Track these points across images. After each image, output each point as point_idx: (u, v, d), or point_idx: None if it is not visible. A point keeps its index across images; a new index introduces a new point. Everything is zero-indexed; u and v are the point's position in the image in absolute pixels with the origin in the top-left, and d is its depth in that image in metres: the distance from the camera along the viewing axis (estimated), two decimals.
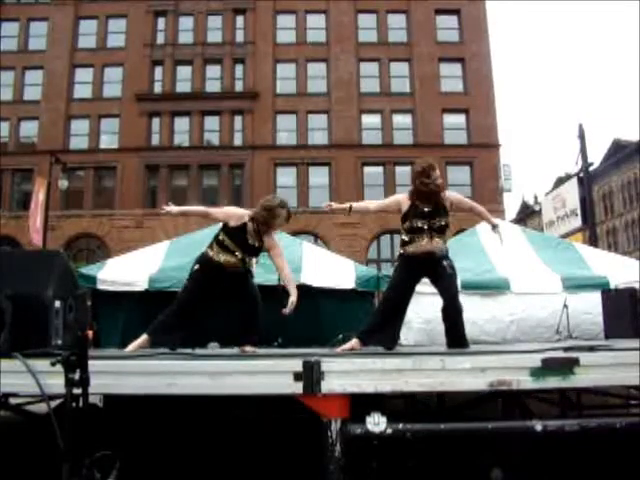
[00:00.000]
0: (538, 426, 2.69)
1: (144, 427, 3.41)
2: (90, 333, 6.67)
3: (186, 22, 29.30)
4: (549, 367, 2.69)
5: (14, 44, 28.86)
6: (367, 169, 27.46)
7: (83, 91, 28.50)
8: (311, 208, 25.85)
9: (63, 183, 19.83)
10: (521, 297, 7.55)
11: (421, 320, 7.08)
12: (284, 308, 4.03)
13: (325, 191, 26.29)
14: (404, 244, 4.24)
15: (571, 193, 17.02)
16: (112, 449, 2.44)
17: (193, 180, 27.19)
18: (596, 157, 43.76)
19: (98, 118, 28.11)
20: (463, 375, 2.69)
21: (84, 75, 28.63)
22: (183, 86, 28.58)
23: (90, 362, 2.30)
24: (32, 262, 3.49)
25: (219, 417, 3.39)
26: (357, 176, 27.03)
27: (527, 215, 54.02)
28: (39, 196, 18.57)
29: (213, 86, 28.63)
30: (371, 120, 28.17)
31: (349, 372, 2.68)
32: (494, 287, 7.62)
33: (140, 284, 7.42)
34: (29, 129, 28.35)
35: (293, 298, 4.07)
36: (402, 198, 4.30)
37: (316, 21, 29.45)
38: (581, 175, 16.21)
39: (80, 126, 28.05)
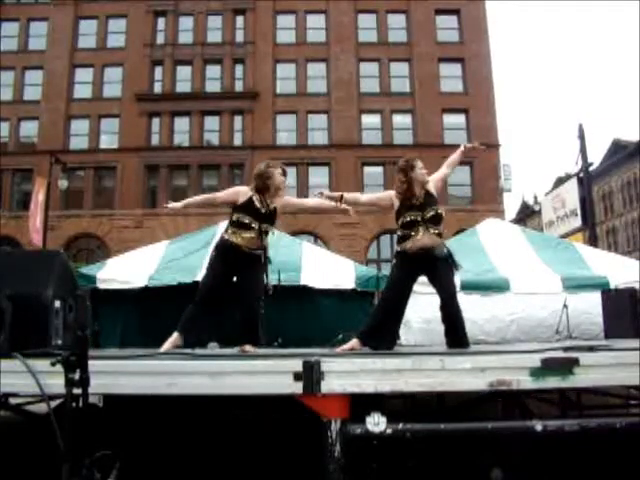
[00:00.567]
0: (538, 426, 2.69)
1: (144, 427, 3.41)
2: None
3: (186, 22, 29.31)
4: (549, 367, 2.69)
5: (14, 44, 28.87)
6: (367, 169, 27.47)
7: (83, 91, 28.51)
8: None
9: (63, 183, 19.84)
10: (521, 297, 7.55)
11: (421, 320, 7.08)
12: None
13: (325, 191, 26.28)
14: (400, 240, 4.26)
15: (571, 193, 17.00)
16: (112, 449, 2.44)
17: (193, 180, 27.19)
18: (596, 157, 43.73)
19: (98, 118, 28.12)
20: (463, 375, 2.69)
21: (84, 75, 28.64)
22: (183, 86, 28.59)
23: (90, 362, 2.30)
24: (32, 262, 3.49)
25: (219, 417, 3.39)
26: (357, 176, 27.02)
27: (527, 215, 53.98)
28: (39, 196, 18.58)
29: (213, 86, 28.64)
30: (371, 120, 28.18)
31: (349, 372, 2.68)
32: (494, 287, 7.62)
33: (139, 282, 7.44)
34: (29, 129, 28.37)
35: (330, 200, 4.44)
36: (394, 194, 4.37)
37: (316, 21, 29.46)
38: (581, 175, 16.19)
39: (80, 126, 28.06)
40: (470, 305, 7.04)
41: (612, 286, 7.28)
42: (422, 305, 6.26)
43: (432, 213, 4.18)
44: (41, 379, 2.53)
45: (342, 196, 4.46)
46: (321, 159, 27.45)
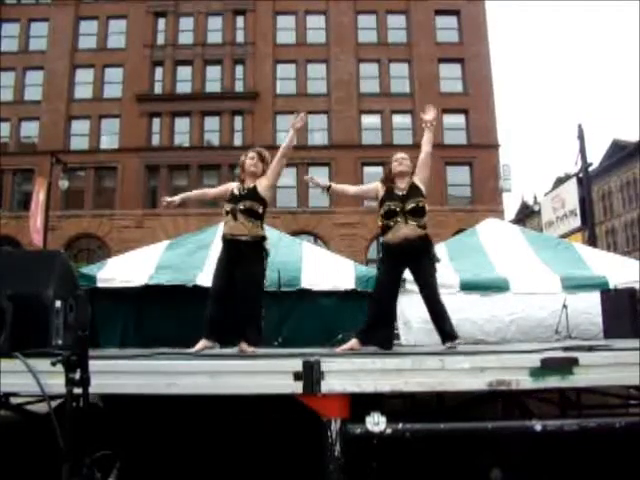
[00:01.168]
0: (538, 426, 2.70)
1: (144, 427, 3.42)
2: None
3: (186, 23, 29.32)
4: (548, 367, 2.69)
5: (15, 45, 28.88)
6: (367, 169, 27.43)
7: (83, 91, 28.51)
8: (311, 208, 25.85)
9: (63, 183, 19.85)
10: (521, 297, 7.54)
11: (421, 320, 7.06)
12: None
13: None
14: (382, 232, 4.30)
15: (570, 193, 17.00)
16: (112, 449, 2.44)
17: (193, 180, 27.16)
18: (595, 157, 43.83)
19: (98, 118, 28.13)
20: (462, 375, 2.70)
21: (84, 75, 28.65)
22: (183, 87, 28.60)
23: (90, 362, 2.30)
24: (33, 262, 3.50)
25: (219, 417, 3.39)
26: (357, 176, 26.98)
27: (526, 215, 53.93)
28: (39, 196, 18.59)
29: (213, 87, 28.64)
30: (371, 120, 28.19)
31: (349, 372, 2.69)
32: (494, 287, 7.60)
33: (139, 281, 7.43)
34: (30, 129, 28.37)
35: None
36: (380, 184, 4.44)
37: (316, 22, 29.47)
38: (580, 175, 16.19)
39: (80, 126, 28.06)
40: (469, 305, 7.05)
41: (611, 286, 7.26)
42: (422, 305, 6.24)
43: (413, 205, 4.19)
44: (42, 379, 2.54)
45: (330, 186, 4.63)
46: (321, 159, 27.44)
